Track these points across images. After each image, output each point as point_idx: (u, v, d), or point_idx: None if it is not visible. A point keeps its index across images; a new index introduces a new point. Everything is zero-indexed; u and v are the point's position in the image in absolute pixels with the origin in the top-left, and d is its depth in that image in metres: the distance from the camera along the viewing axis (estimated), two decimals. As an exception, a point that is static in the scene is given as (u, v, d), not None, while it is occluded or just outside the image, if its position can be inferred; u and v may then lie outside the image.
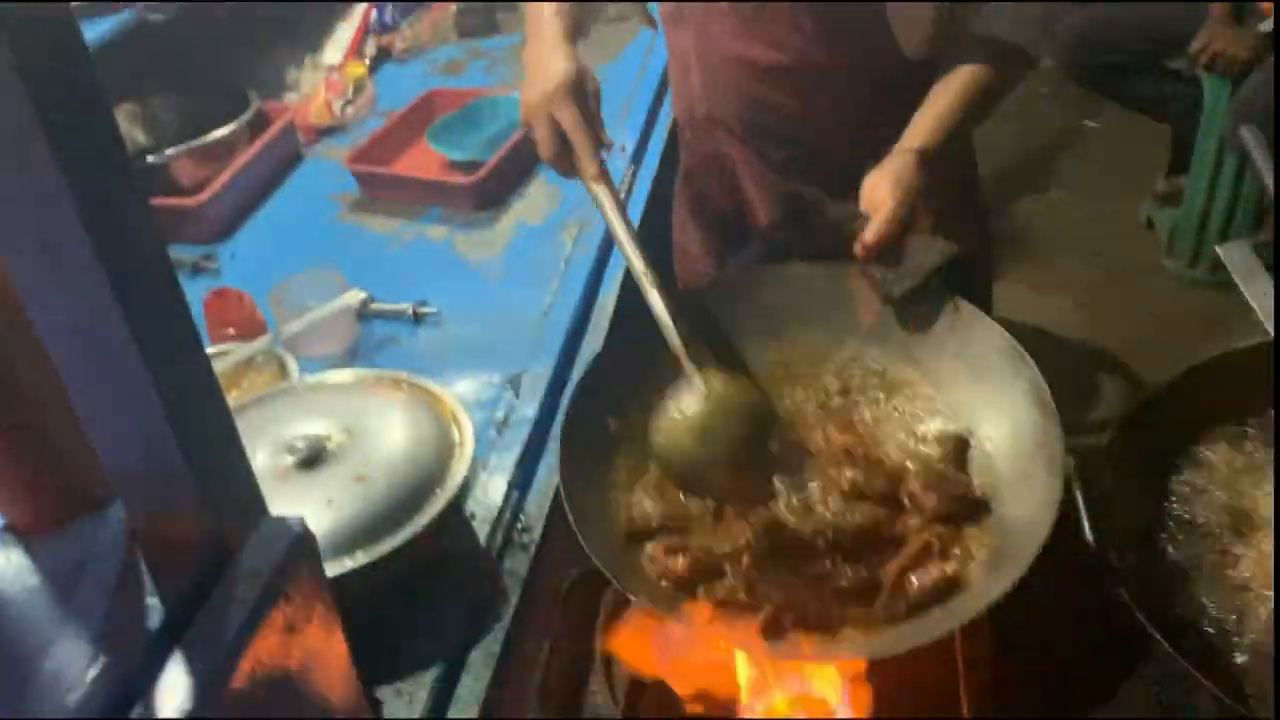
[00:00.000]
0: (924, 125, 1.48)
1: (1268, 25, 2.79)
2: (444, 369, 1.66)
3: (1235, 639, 1.13)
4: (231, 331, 1.77)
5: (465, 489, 1.37)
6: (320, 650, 0.88)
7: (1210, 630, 1.15)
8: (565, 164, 1.48)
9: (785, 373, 1.45)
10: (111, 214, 0.62)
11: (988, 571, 1.15)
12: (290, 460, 1.33)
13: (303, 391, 1.49)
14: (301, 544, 0.78)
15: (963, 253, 1.38)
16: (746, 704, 1.29)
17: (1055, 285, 3.47)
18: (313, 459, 1.33)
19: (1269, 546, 1.19)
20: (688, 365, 1.33)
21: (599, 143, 1.46)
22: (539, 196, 2.12)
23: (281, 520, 0.79)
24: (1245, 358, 1.35)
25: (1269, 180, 1.53)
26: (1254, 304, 1.35)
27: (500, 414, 1.62)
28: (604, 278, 1.89)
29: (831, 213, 1.54)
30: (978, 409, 1.33)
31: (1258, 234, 3.24)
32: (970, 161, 1.86)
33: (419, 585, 1.33)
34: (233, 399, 1.59)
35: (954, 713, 1.23)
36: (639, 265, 1.38)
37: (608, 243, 1.96)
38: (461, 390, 1.65)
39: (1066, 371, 2.67)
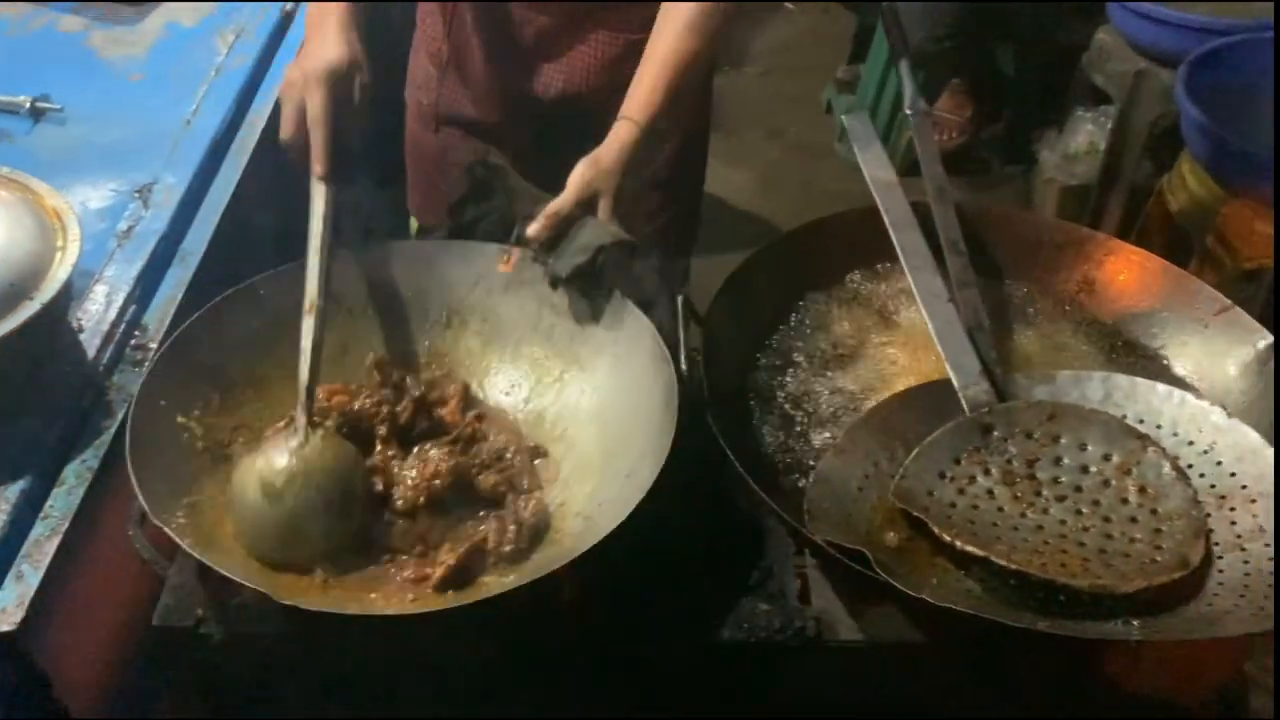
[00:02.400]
0: (639, 90, 1.40)
1: None
2: (64, 172, 1.52)
3: (803, 466, 1.26)
4: None
5: (66, 297, 1.27)
6: None
7: (783, 459, 1.27)
8: (298, 152, 1.33)
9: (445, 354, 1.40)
10: None
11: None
12: None
13: (-123, 177, 1.32)
14: None
15: (633, 240, 1.33)
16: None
17: (738, 159, 3.62)
18: (-120, 250, 1.19)
19: (844, 383, 1.33)
20: (300, 419, 1.19)
21: (336, 140, 1.32)
22: (195, -4, 1.96)
23: None
24: (841, 222, 1.48)
25: (908, 91, 1.61)
26: (864, 170, 1.46)
27: (124, 224, 1.51)
28: (259, 90, 1.78)
29: (514, 184, 1.47)
30: (615, 404, 1.31)
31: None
32: (704, 115, 1.82)
33: (10, 394, 1.24)
34: None
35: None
36: (312, 291, 1.26)
37: (266, 54, 1.85)
38: (83, 196, 1.53)
39: (740, 237, 2.81)
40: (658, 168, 1.62)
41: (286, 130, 1.34)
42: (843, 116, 1.55)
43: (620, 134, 1.37)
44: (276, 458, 1.15)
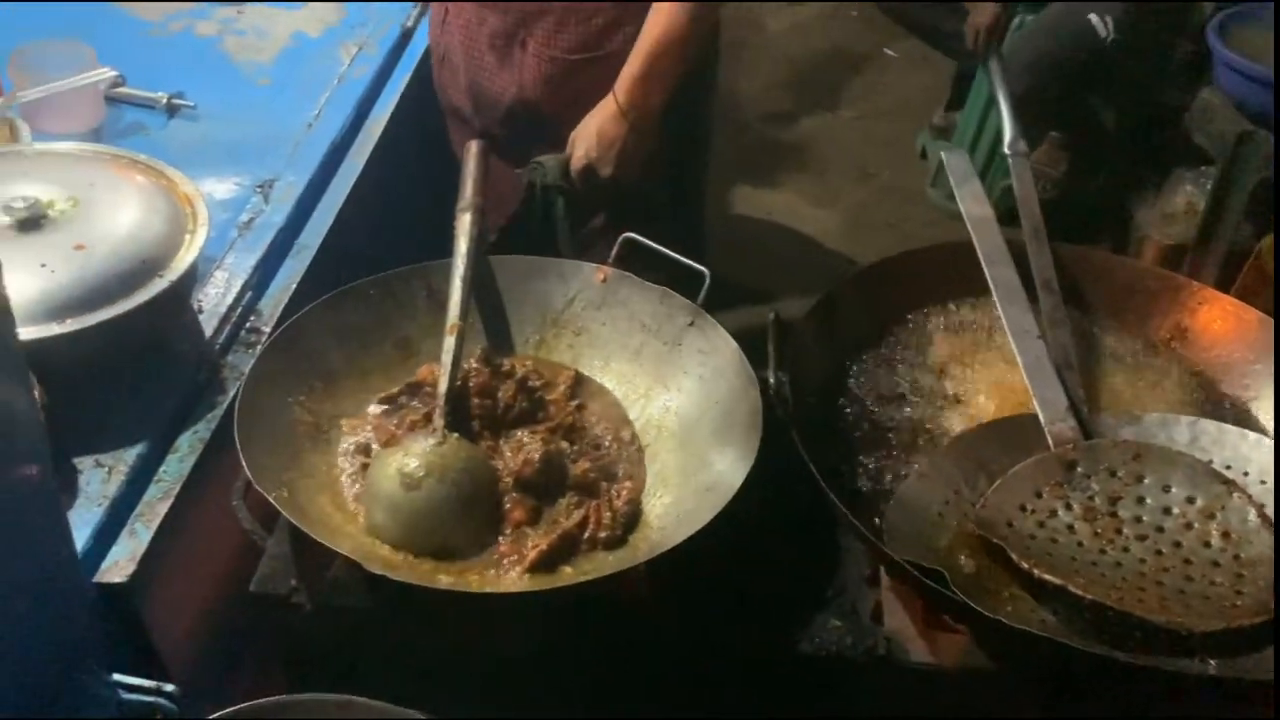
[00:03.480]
0: (624, 70, 1.69)
1: None
2: (193, 164, 1.59)
3: (883, 490, 1.27)
4: (-38, 91, 1.65)
5: (191, 278, 1.35)
6: (5, 401, 0.87)
7: (863, 479, 1.28)
8: None
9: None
10: None
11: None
12: (6, 220, 1.28)
13: (30, 156, 1.42)
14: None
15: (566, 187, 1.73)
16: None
17: (828, 200, 3.65)
18: (31, 221, 1.28)
19: (929, 410, 1.34)
20: (438, 421, 1.25)
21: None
22: (321, 9, 2.06)
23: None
24: (934, 254, 1.49)
25: (1009, 131, 1.63)
26: (961, 206, 1.47)
27: (246, 216, 1.59)
28: (377, 100, 1.86)
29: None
30: (699, 422, 1.33)
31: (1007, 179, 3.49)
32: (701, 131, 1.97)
33: (134, 364, 1.31)
34: (-48, 156, 1.50)
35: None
36: (454, 313, 1.32)
37: (387, 66, 1.94)
38: (208, 188, 1.61)
39: (827, 275, 2.84)
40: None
41: None
42: (941, 153, 1.57)
43: (604, 104, 1.71)
44: (416, 453, 1.22)
